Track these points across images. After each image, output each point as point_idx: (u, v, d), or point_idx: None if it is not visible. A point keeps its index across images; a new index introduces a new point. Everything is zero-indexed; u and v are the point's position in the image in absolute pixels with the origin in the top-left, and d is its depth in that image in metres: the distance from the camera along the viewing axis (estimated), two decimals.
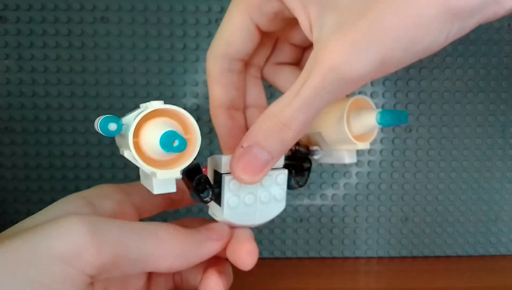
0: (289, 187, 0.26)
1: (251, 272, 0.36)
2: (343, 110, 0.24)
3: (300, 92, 0.20)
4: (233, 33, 0.23)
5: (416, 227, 0.38)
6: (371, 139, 0.25)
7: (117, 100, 0.36)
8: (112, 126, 0.20)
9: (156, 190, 0.21)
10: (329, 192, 0.38)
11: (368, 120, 0.24)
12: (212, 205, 0.25)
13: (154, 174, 0.21)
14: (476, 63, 0.37)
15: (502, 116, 0.37)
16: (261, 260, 0.38)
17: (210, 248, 0.23)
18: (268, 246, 0.38)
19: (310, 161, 0.27)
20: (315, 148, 0.27)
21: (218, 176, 0.24)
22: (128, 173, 0.37)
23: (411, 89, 0.37)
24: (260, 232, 0.38)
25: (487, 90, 0.37)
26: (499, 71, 0.37)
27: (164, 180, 0.21)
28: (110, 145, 0.36)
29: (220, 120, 0.25)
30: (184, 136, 0.20)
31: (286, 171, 0.25)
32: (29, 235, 0.19)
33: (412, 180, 0.38)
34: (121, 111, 0.36)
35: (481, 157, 0.38)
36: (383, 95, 0.37)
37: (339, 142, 0.25)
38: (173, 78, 0.36)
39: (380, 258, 0.38)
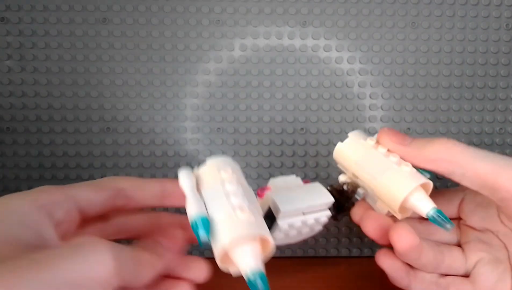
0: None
1: None
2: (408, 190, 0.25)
3: None
4: None
5: None
6: (409, 214, 0.27)
7: (119, 100, 0.36)
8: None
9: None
10: None
11: (421, 210, 0.25)
12: None
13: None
14: (474, 62, 0.37)
15: (500, 114, 0.38)
16: None
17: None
18: None
19: (353, 203, 0.29)
20: (361, 191, 0.29)
21: (271, 213, 0.25)
22: (130, 172, 0.37)
23: (409, 87, 0.37)
24: None
25: (485, 88, 0.37)
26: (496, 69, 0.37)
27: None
28: (111, 145, 0.37)
29: None
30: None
31: (329, 214, 0.27)
32: (50, 257, 0.18)
33: None
34: (122, 111, 0.36)
35: None
36: (382, 96, 0.37)
37: (384, 203, 0.27)
38: (174, 79, 0.36)
39: None
